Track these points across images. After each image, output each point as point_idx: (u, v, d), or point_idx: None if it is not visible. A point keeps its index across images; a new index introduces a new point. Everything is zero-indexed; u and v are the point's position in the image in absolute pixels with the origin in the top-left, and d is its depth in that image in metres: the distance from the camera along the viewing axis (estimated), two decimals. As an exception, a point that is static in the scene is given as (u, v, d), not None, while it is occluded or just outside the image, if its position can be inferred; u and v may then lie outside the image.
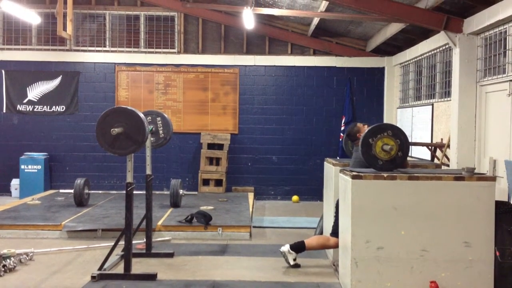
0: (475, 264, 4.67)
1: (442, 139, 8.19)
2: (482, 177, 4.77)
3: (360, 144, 5.05)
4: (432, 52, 8.78)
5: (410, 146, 9.54)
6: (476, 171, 5.04)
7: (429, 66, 9.14)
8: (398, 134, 5.00)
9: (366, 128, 5.36)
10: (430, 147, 8.31)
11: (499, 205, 4.79)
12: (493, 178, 4.82)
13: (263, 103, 11.22)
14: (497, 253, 4.74)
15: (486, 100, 7.02)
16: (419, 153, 9.24)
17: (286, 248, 5.91)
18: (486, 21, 6.57)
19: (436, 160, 8.03)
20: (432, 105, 8.72)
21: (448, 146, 7.67)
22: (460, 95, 7.22)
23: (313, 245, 5.89)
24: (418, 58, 9.57)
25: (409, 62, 10.09)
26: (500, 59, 6.67)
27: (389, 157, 4.98)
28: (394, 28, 8.90)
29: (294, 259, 5.89)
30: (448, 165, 7.64)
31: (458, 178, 4.73)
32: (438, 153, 8.10)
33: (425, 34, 8.79)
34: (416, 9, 7.38)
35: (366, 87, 11.24)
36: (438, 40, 8.15)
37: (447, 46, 7.96)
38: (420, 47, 9.13)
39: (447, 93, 8.20)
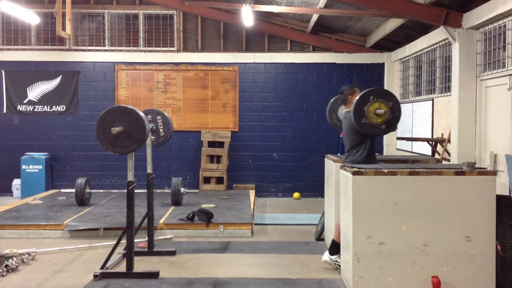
0: (476, 259, 4.68)
1: (442, 134, 8.19)
2: (483, 172, 4.77)
3: (355, 101, 5.32)
4: (432, 47, 8.78)
5: (411, 141, 9.59)
6: (476, 165, 5.05)
7: (429, 61, 9.13)
8: (393, 102, 5.32)
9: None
10: (430, 142, 8.30)
11: (500, 199, 4.80)
12: (493, 172, 4.83)
13: (263, 101, 11.21)
14: (499, 247, 4.75)
15: (486, 95, 7.01)
16: (419, 148, 9.24)
17: (327, 257, 5.70)
18: (485, 15, 6.57)
19: (436, 155, 8.03)
20: (432, 100, 8.72)
21: (449, 141, 7.67)
22: (460, 90, 7.22)
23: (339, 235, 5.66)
24: (417, 54, 9.56)
25: (409, 57, 10.08)
26: (499, 53, 6.67)
27: (381, 121, 5.25)
28: (393, 23, 8.89)
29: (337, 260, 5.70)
30: (449, 160, 7.64)
31: (459, 172, 4.73)
32: (439, 148, 8.10)
33: (425, 29, 8.78)
34: (415, 4, 7.37)
35: (366, 83, 11.18)
36: (438, 35, 8.14)
37: (446, 41, 7.96)
38: (419, 42, 9.12)
39: (447, 88, 8.20)
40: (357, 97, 5.37)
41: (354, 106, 5.29)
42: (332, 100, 6.82)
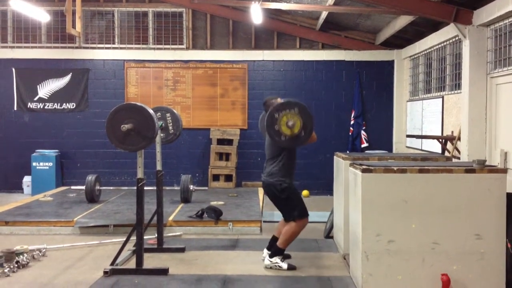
0: (486, 257, 4.65)
1: (452, 132, 8.15)
2: (493, 169, 4.75)
3: (266, 116, 5.33)
4: (442, 44, 8.73)
5: (421, 139, 9.55)
6: (487, 163, 5.03)
7: (439, 59, 9.08)
8: (303, 112, 5.27)
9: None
10: (440, 140, 8.27)
11: (510, 197, 4.77)
12: (504, 170, 4.80)
13: (272, 98, 11.18)
14: (509, 245, 4.73)
15: (496, 92, 6.97)
16: (429, 146, 9.20)
17: (267, 261, 5.64)
18: (496, 12, 6.52)
19: (446, 153, 7.99)
20: (442, 97, 8.67)
21: (459, 138, 7.63)
22: (470, 87, 7.17)
23: (284, 241, 5.66)
24: (427, 51, 9.51)
25: (419, 54, 10.03)
26: (510, 51, 6.62)
27: (291, 134, 5.27)
28: (403, 20, 8.85)
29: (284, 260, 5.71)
30: (458, 158, 7.60)
31: (469, 170, 4.71)
32: (449, 145, 8.06)
33: (435, 26, 8.74)
34: (425, 1, 7.33)
35: (375, 81, 11.20)
36: (448, 32, 8.10)
37: (457, 38, 7.91)
38: (429, 39, 9.08)
39: (457, 86, 8.15)
40: (276, 104, 5.40)
41: (269, 132, 5.34)
42: (260, 117, 6.51)
